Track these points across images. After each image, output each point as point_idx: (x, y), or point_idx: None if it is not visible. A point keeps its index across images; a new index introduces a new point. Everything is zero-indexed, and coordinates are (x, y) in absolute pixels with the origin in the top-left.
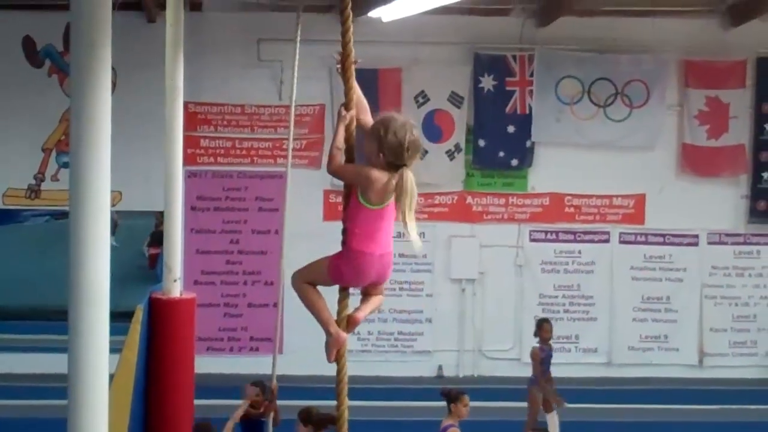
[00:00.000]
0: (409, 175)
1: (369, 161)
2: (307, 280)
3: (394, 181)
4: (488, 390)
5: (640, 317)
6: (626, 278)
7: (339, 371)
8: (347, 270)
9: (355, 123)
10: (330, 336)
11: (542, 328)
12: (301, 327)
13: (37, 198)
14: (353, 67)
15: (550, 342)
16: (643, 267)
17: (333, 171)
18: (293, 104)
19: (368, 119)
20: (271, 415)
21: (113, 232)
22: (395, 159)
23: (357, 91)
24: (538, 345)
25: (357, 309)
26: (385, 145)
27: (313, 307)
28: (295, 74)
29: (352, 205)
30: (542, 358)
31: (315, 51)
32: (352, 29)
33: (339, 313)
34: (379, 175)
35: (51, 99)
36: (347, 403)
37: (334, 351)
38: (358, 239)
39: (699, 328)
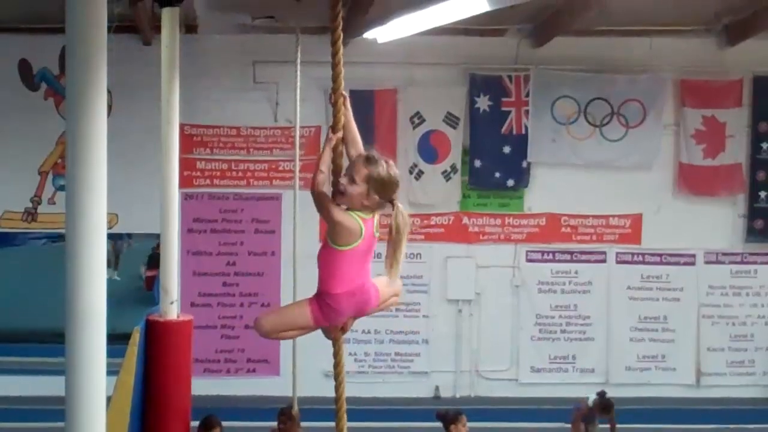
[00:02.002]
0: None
1: (353, 202)
2: (283, 329)
3: (379, 218)
4: (485, 411)
5: (637, 337)
6: (623, 298)
7: (337, 388)
8: (326, 312)
9: (341, 146)
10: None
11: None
12: (297, 349)
13: (34, 221)
14: (341, 89)
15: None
16: (640, 287)
17: (315, 193)
18: (297, 126)
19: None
20: None
21: (115, 264)
22: (388, 196)
23: (353, 127)
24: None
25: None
26: (379, 184)
27: (294, 334)
28: (298, 96)
29: (324, 249)
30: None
31: (310, 72)
32: (342, 51)
33: None
34: (347, 218)
35: (47, 122)
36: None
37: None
38: (329, 282)
39: (696, 348)
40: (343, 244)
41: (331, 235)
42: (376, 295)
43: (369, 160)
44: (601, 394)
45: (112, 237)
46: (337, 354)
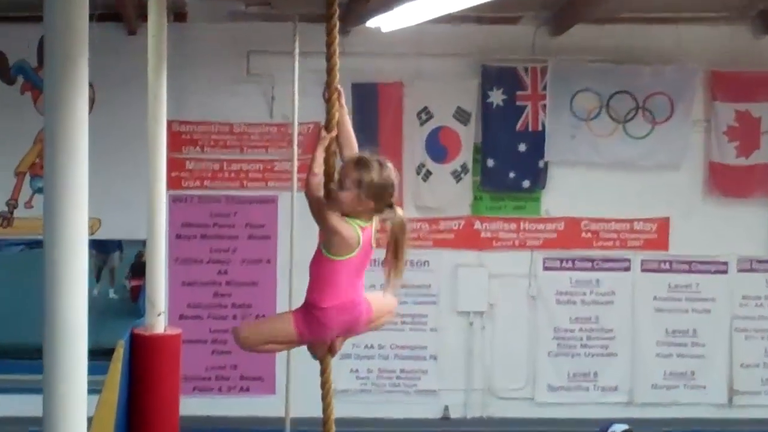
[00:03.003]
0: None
1: (347, 207)
2: (264, 341)
3: (381, 223)
4: None
5: (665, 352)
6: (649, 310)
7: (325, 410)
8: (312, 326)
9: (334, 145)
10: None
11: None
12: (293, 366)
13: (10, 226)
14: (336, 83)
15: None
16: (668, 297)
17: (310, 198)
18: (295, 122)
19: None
20: None
21: (111, 280)
22: (384, 201)
23: (347, 125)
24: None
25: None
26: (372, 188)
27: (276, 348)
28: (296, 89)
29: (316, 258)
30: None
31: (309, 64)
32: (337, 41)
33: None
34: (344, 226)
35: (24, 118)
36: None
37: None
38: (319, 294)
39: (729, 364)
40: (338, 254)
41: (326, 242)
42: (368, 313)
43: (359, 163)
44: None
45: (103, 250)
46: (324, 373)
